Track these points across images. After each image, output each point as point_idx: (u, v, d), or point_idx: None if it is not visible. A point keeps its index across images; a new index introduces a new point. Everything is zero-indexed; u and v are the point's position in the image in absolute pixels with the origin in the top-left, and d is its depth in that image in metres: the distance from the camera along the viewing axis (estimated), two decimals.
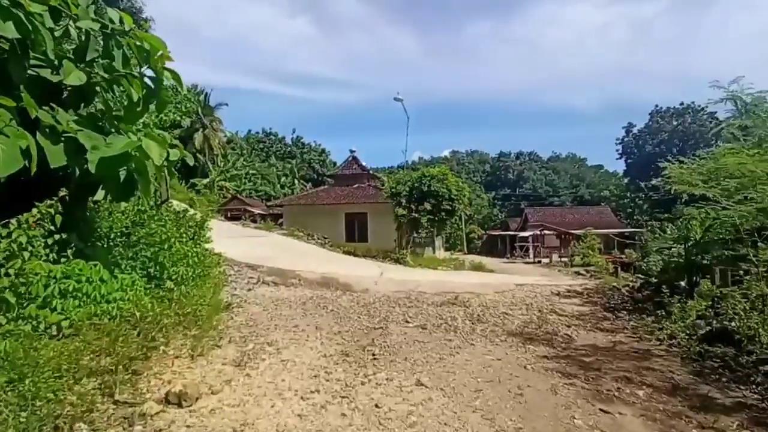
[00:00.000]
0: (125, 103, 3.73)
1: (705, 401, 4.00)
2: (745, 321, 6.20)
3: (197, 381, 3.86)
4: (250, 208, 35.96)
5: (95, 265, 3.95)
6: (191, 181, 34.25)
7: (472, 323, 6.62)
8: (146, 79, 3.85)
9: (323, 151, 62.42)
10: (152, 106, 3.99)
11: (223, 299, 6.74)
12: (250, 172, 47.47)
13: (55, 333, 3.40)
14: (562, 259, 29.57)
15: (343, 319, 6.60)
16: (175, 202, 7.83)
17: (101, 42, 3.41)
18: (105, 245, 5.17)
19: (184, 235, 6.30)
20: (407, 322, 6.57)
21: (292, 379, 4.14)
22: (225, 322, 5.82)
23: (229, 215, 31.67)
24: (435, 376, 4.40)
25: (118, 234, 5.61)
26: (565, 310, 7.80)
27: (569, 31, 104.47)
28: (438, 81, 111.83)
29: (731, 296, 7.30)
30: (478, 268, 17.69)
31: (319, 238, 18.78)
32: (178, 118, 35.29)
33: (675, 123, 47.47)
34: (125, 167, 3.46)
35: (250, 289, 8.17)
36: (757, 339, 5.52)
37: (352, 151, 28.52)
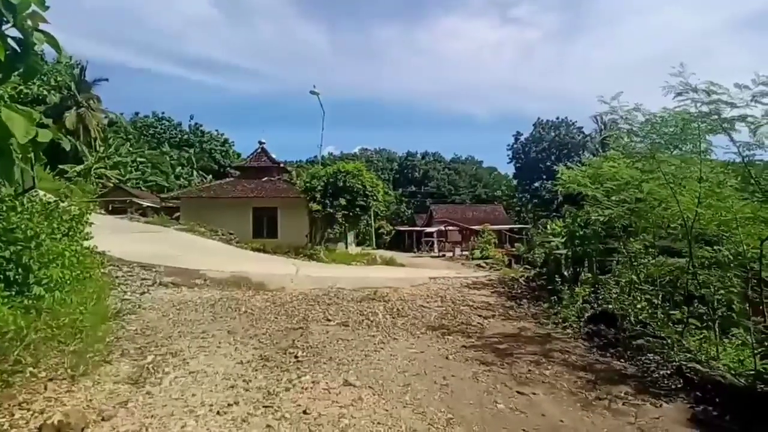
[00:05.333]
0: None
1: (598, 375, 4.60)
2: (619, 303, 7.38)
3: (82, 406, 3.17)
4: (138, 200, 31.61)
5: None
6: (60, 167, 28.90)
7: (393, 317, 6.68)
8: (10, 41, 2.98)
9: (226, 140, 57.56)
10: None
11: (110, 305, 5.74)
12: (138, 159, 41.65)
13: None
14: (464, 253, 32.02)
15: (259, 320, 6.11)
16: (41, 192, 6.42)
17: None
18: None
19: (57, 231, 5.17)
20: (328, 320, 6.35)
21: (205, 393, 3.65)
22: (114, 333, 4.95)
23: (111, 208, 27.43)
24: (362, 374, 4.30)
25: None
26: (475, 301, 8.36)
27: (468, 46, 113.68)
28: (347, 79, 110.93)
29: (607, 283, 8.64)
30: (390, 262, 18.13)
31: (224, 234, 17.29)
32: (44, 92, 29.29)
33: (553, 134, 54.78)
34: None
35: (144, 293, 7.10)
36: (628, 318, 6.59)
37: (261, 143, 26.79)
